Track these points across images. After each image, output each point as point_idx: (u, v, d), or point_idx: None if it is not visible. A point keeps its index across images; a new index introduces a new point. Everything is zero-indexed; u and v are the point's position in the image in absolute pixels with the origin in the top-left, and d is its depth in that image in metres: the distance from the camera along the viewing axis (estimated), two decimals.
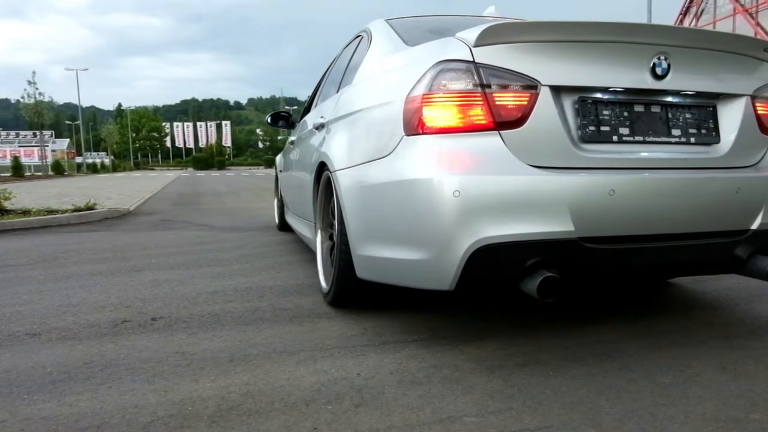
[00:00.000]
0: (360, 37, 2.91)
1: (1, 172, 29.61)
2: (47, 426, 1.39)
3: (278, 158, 5.31)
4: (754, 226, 1.85)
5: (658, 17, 16.52)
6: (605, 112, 1.78)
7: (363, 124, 2.17)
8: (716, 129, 1.91)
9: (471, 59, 1.69)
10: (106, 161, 55.32)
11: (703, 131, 1.89)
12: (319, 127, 2.81)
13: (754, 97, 1.94)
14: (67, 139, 65.15)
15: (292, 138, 4.22)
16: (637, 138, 1.80)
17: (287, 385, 1.62)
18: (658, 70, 1.77)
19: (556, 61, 1.73)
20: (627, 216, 1.71)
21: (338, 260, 2.23)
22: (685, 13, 26.95)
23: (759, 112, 1.95)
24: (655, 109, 1.84)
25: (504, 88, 1.70)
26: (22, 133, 58.46)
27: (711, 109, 1.91)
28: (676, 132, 1.85)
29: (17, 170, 28.29)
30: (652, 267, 1.92)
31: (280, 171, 4.99)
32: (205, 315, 2.35)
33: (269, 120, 4.49)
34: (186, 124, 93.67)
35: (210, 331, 2.13)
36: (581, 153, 1.72)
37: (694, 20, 26.29)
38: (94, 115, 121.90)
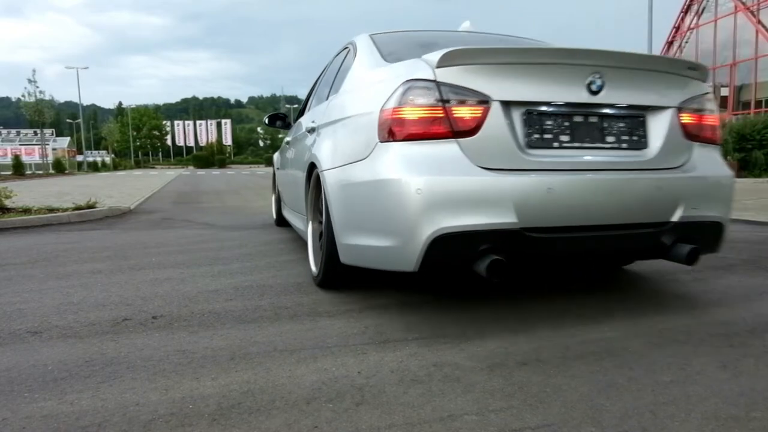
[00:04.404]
0: (347, 49, 3.18)
1: (2, 171, 29.63)
2: (48, 424, 1.40)
3: (275, 156, 5.49)
4: (675, 218, 2.14)
5: (659, 15, 16.56)
6: (548, 123, 2.06)
7: (347, 130, 2.43)
8: (645, 136, 2.18)
9: (434, 78, 1.98)
10: (107, 160, 55.37)
11: (634, 138, 2.16)
12: (311, 130, 3.08)
13: (679, 109, 2.21)
14: (68, 138, 65.07)
15: (288, 138, 4.44)
16: (576, 144, 2.08)
17: (288, 383, 1.62)
18: (593, 87, 2.05)
19: (506, 80, 2.01)
20: (563, 209, 1.98)
21: (325, 248, 2.51)
22: (686, 11, 26.86)
23: (683, 121, 2.22)
24: (593, 119, 2.12)
25: (461, 102, 1.98)
26: (23, 131, 58.41)
27: (641, 119, 2.18)
28: (610, 139, 2.13)
29: (18, 168, 28.29)
30: (589, 253, 2.28)
31: (278, 168, 5.18)
32: (205, 313, 2.35)
33: (267, 121, 4.79)
34: (186, 122, 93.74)
35: (211, 329, 2.13)
36: (526, 157, 2.00)
37: (695, 18, 26.20)
38: (94, 113, 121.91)
